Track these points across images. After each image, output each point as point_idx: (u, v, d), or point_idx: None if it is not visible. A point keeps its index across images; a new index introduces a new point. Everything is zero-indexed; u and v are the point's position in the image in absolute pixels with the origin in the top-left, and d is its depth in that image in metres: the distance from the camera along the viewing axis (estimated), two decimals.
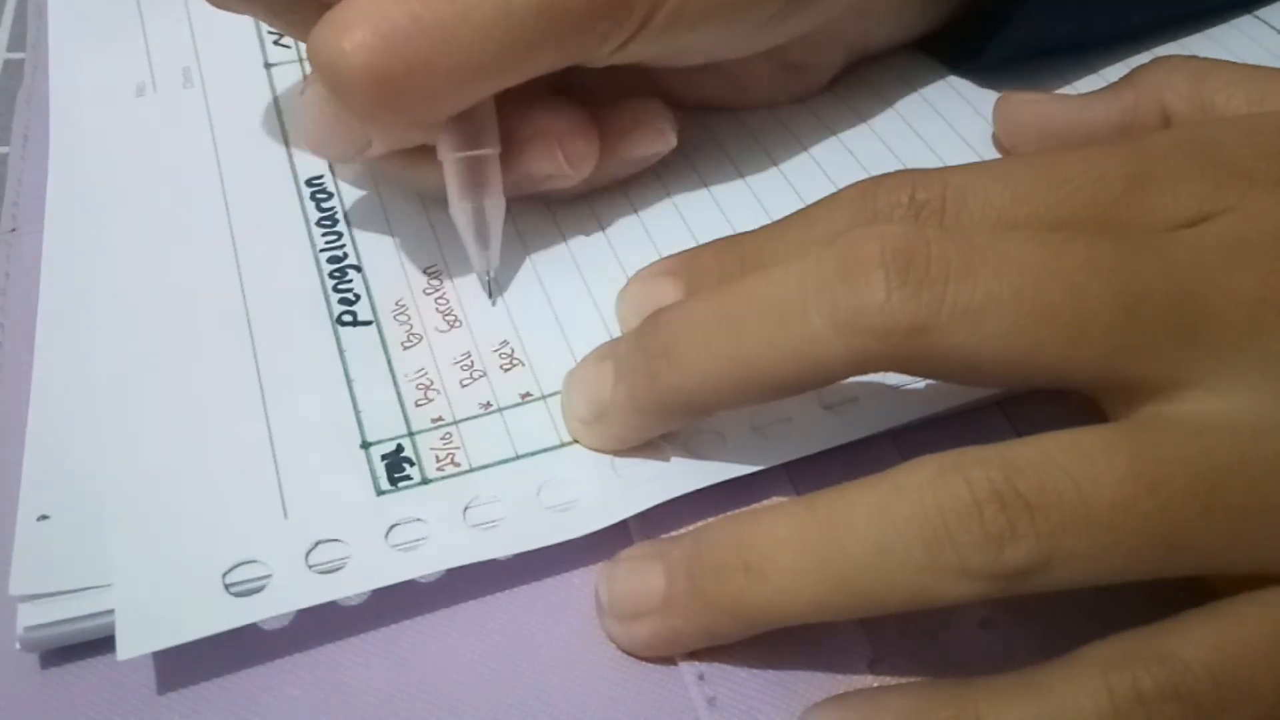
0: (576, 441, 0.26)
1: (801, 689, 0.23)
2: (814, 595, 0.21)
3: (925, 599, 0.20)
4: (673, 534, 0.25)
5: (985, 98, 0.34)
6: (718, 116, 0.34)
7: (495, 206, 0.28)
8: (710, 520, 0.25)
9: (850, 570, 0.20)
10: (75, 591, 0.23)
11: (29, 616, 0.23)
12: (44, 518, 0.24)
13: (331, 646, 0.24)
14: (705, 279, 0.26)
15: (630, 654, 0.23)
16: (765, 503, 0.25)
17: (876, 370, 0.22)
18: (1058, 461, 0.20)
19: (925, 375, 0.25)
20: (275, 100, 0.34)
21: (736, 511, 0.25)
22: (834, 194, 0.25)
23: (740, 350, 0.22)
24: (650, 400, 0.24)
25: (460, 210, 0.28)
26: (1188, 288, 0.21)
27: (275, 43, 0.36)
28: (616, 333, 0.28)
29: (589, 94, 0.30)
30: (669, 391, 0.23)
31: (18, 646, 0.23)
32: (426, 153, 0.28)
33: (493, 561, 0.24)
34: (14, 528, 0.24)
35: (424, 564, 0.24)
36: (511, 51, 0.25)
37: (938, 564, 0.20)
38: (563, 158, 0.29)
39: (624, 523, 0.25)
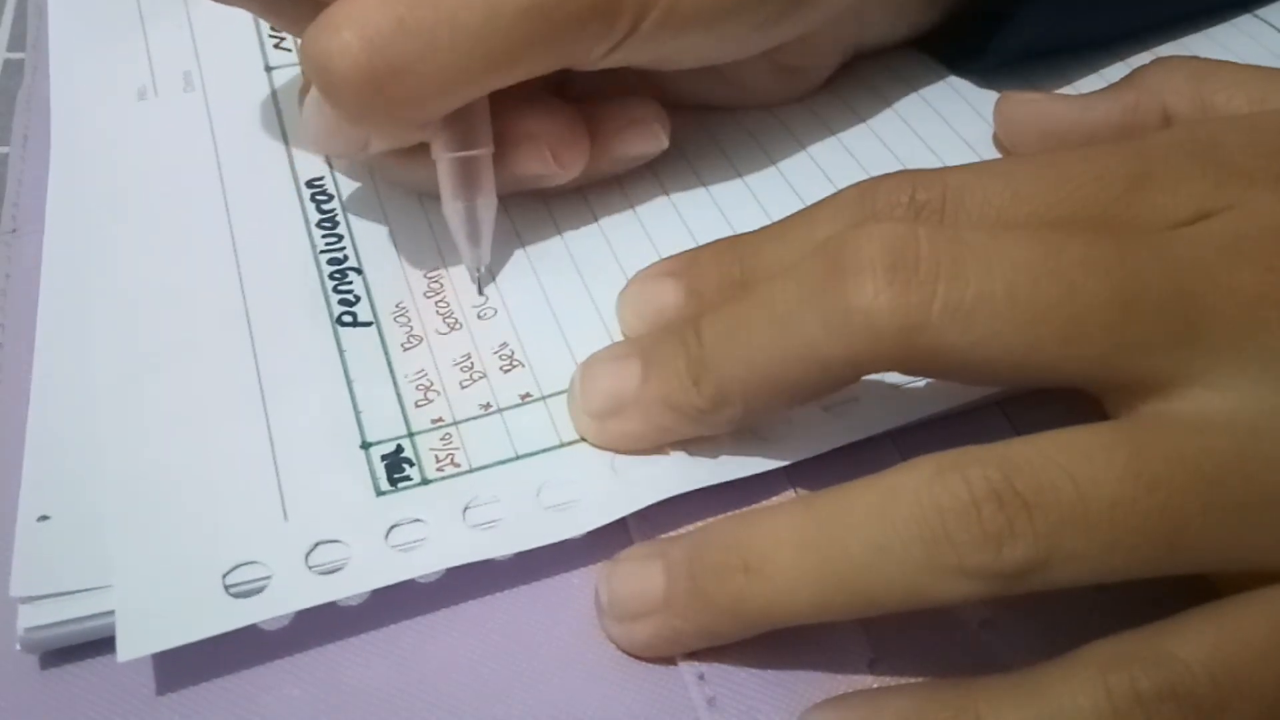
0: (581, 439, 0.26)
1: (801, 689, 0.23)
2: (814, 595, 0.21)
3: (924, 599, 0.20)
4: (672, 534, 0.25)
5: (985, 98, 0.34)
6: (716, 116, 0.34)
7: (487, 206, 0.28)
8: (710, 520, 0.25)
9: (849, 570, 0.20)
10: (75, 593, 0.23)
11: (29, 618, 0.23)
12: (44, 518, 0.24)
13: (332, 646, 0.24)
14: (705, 280, 0.26)
15: (630, 654, 0.23)
16: (765, 503, 0.25)
17: (879, 370, 0.22)
18: (1056, 460, 0.20)
19: (925, 374, 0.25)
20: (276, 104, 0.34)
21: (737, 512, 0.25)
22: (834, 194, 0.25)
23: (754, 358, 0.23)
24: (688, 403, 0.24)
25: (453, 210, 0.28)
26: (1186, 285, 0.21)
27: (276, 46, 0.36)
28: (616, 333, 0.28)
29: (584, 94, 0.30)
30: (706, 399, 0.24)
31: (18, 648, 0.23)
32: (423, 151, 0.28)
33: (493, 561, 0.24)
34: (14, 528, 0.24)
35: (424, 564, 0.24)
36: (497, 56, 0.25)
37: (936, 563, 0.20)
38: (552, 159, 0.29)
39: (624, 523, 0.25)
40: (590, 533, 0.24)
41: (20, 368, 0.28)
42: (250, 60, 0.36)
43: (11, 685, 0.23)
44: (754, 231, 0.26)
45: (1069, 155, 0.23)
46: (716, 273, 0.26)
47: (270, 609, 0.23)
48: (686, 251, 0.27)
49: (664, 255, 0.28)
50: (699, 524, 0.25)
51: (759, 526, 0.22)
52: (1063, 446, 0.20)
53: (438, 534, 0.24)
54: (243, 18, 0.37)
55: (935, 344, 0.21)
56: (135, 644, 0.22)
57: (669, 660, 0.23)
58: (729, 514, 0.25)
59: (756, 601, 0.21)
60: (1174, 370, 0.21)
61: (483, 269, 0.29)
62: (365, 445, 0.26)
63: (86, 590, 0.23)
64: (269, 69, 0.35)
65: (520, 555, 0.24)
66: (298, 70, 0.35)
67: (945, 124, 0.33)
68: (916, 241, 0.21)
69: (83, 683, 0.23)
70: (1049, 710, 0.19)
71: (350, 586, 0.23)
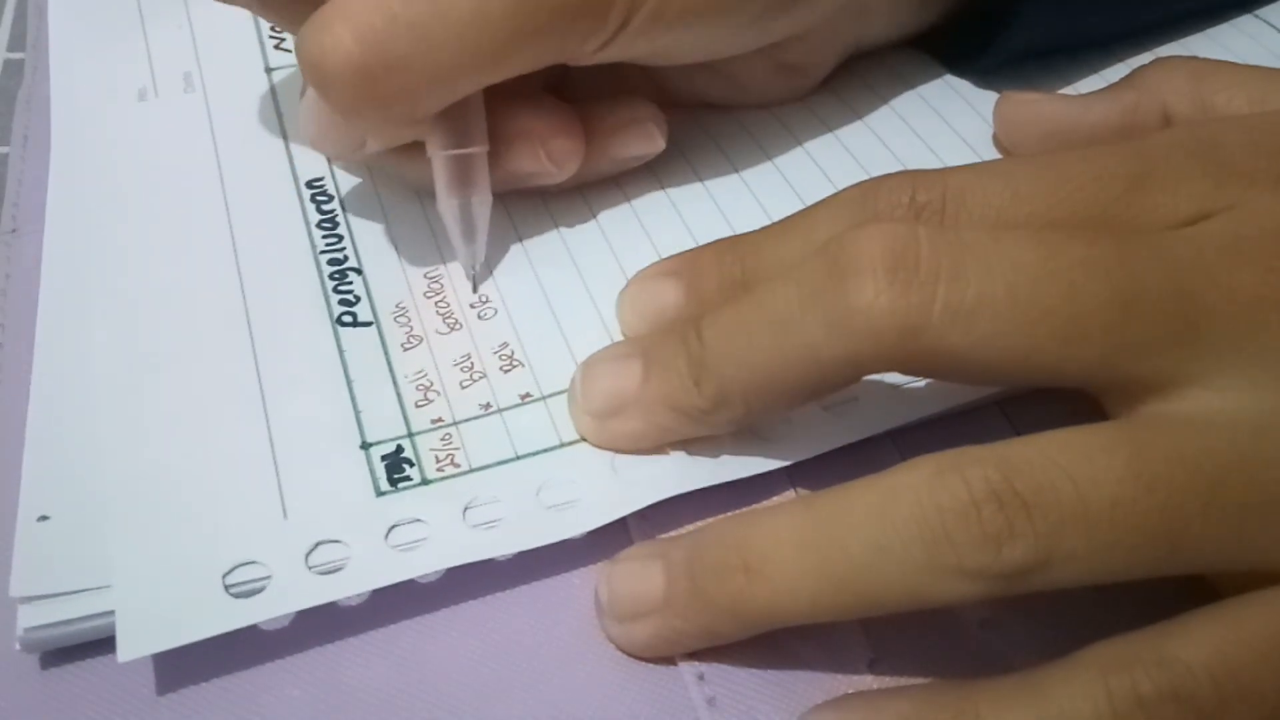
0: (581, 439, 0.26)
1: (801, 689, 0.23)
2: (814, 595, 0.21)
3: (924, 599, 0.20)
4: (672, 534, 0.25)
5: (984, 97, 0.34)
6: (715, 115, 0.34)
7: (482, 204, 0.29)
8: (710, 520, 0.25)
9: (849, 570, 0.20)
10: (75, 593, 0.23)
11: (29, 617, 0.23)
12: (44, 518, 0.24)
13: (331, 646, 0.24)
14: (705, 280, 0.26)
15: (630, 654, 0.23)
16: (766, 503, 0.25)
17: (879, 371, 0.22)
18: (1056, 460, 0.20)
19: (925, 375, 0.25)
20: (276, 104, 0.34)
21: (737, 512, 0.25)
22: (835, 195, 0.25)
23: (754, 359, 0.23)
24: (689, 403, 0.24)
25: (448, 207, 0.29)
26: (1186, 286, 0.21)
27: (276, 47, 0.36)
28: (616, 333, 0.28)
29: (583, 92, 0.31)
30: (707, 399, 0.24)
31: (18, 647, 0.23)
32: (420, 149, 0.29)
33: (493, 561, 0.24)
34: (14, 528, 0.24)
35: (424, 564, 0.24)
36: (490, 50, 0.25)
37: (936, 564, 0.20)
38: (546, 157, 0.29)
39: (624, 523, 0.25)
40: (590, 533, 0.25)
41: (20, 368, 0.28)
42: (250, 61, 0.36)
43: (11, 685, 0.23)
44: (754, 232, 0.26)
45: (1069, 156, 0.23)
46: (717, 273, 0.26)
47: (270, 609, 0.23)
48: (686, 251, 0.27)
49: (664, 255, 0.28)
50: (699, 524, 0.25)
51: (759, 527, 0.22)
52: (1062, 447, 0.20)
53: (438, 534, 0.24)
54: (243, 18, 0.37)
55: (936, 345, 0.21)
56: (135, 644, 0.22)
57: (669, 660, 0.23)
58: (729, 514, 0.25)
59: (756, 602, 0.21)
60: (1174, 370, 0.21)
61: (478, 266, 0.29)
62: (365, 445, 0.26)
63: (86, 590, 0.23)
64: (269, 70, 0.35)
65: (520, 555, 0.24)
66: (298, 71, 0.35)
67: (944, 123, 0.33)
68: (917, 242, 0.21)
69: (83, 683, 0.23)
70: (1050, 713, 0.19)
71: (350, 586, 0.23)
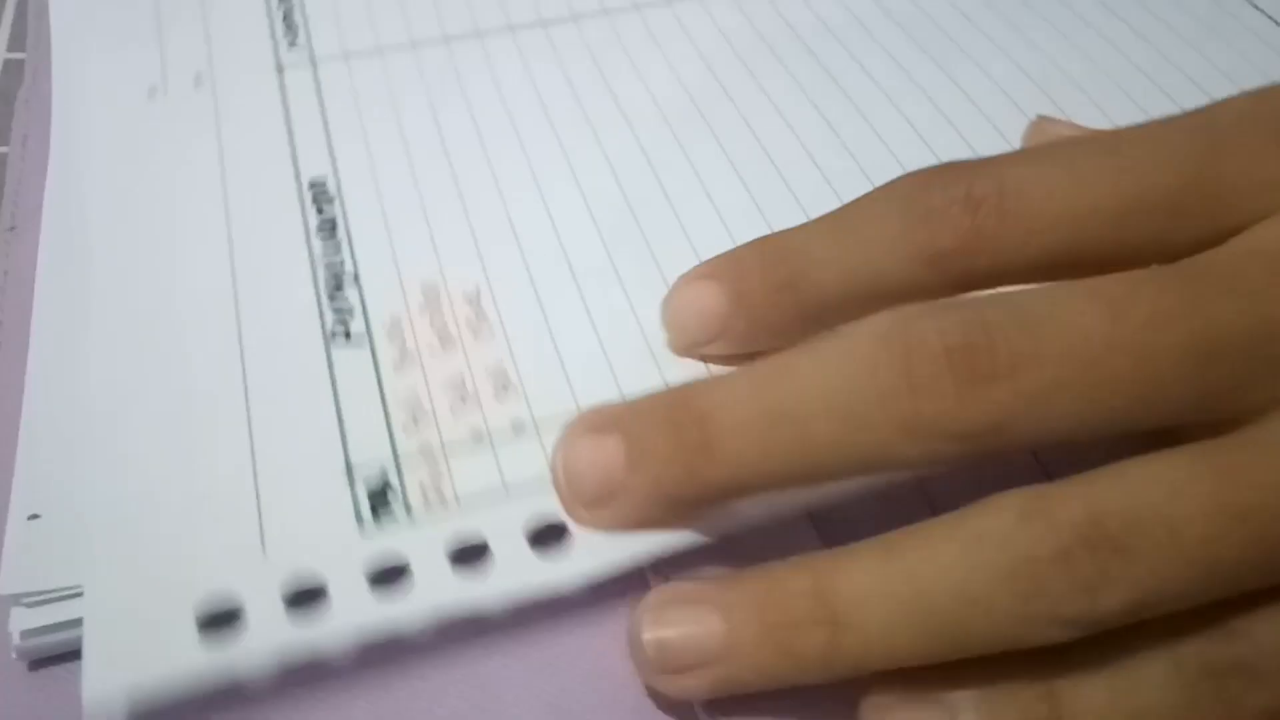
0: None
1: (806, 691, 0.21)
2: (908, 647, 0.20)
3: (1019, 645, 0.19)
4: (708, 571, 0.23)
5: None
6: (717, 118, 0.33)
7: None
8: (775, 564, 0.22)
9: (941, 624, 0.19)
10: (71, 598, 0.22)
11: (22, 621, 0.22)
12: (34, 517, 0.24)
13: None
14: (748, 281, 0.24)
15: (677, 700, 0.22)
16: (836, 549, 0.22)
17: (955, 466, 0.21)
18: (1143, 498, 0.19)
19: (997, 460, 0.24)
20: (284, 103, 0.33)
21: (808, 556, 0.22)
22: (884, 188, 0.23)
23: (804, 452, 0.21)
24: (688, 493, 0.22)
25: None
26: (1263, 312, 0.20)
27: (290, 45, 0.35)
28: (612, 356, 0.27)
29: None
30: (711, 487, 0.22)
31: (14, 656, 0.23)
32: None
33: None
34: (4, 526, 0.24)
35: (408, 614, 0.22)
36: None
37: (1031, 614, 0.19)
38: None
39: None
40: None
41: (15, 366, 0.27)
42: (262, 60, 0.35)
43: (3, 686, 0.23)
44: (796, 229, 0.25)
45: (1133, 134, 0.22)
46: (760, 281, 0.24)
47: (246, 653, 0.21)
48: (727, 253, 0.26)
49: (670, 276, 0.27)
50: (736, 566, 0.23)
51: (837, 576, 0.20)
52: (1148, 482, 0.19)
53: (422, 574, 0.22)
54: (257, 16, 0.36)
55: (1016, 437, 0.20)
56: (101, 682, 0.21)
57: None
58: (796, 558, 0.22)
59: (850, 655, 0.20)
60: (1259, 401, 0.20)
61: None
62: (349, 471, 0.24)
63: (81, 592, 0.22)
64: (280, 69, 0.35)
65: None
66: (309, 71, 0.35)
67: None
68: (987, 330, 0.20)
69: (74, 684, 0.21)
70: (1122, 686, 0.19)
71: (331, 632, 0.22)
